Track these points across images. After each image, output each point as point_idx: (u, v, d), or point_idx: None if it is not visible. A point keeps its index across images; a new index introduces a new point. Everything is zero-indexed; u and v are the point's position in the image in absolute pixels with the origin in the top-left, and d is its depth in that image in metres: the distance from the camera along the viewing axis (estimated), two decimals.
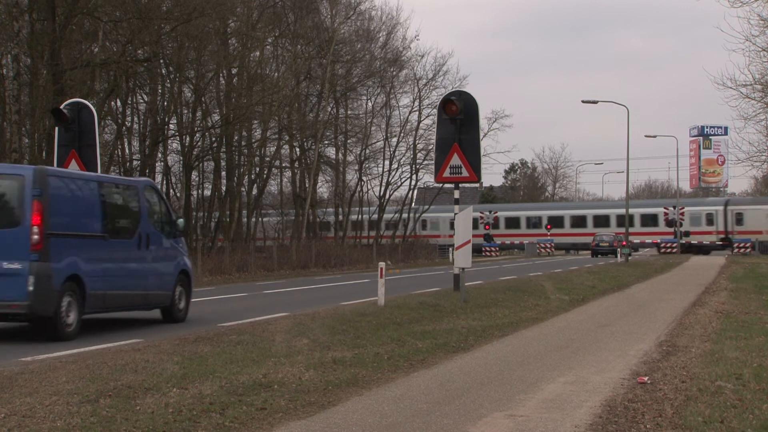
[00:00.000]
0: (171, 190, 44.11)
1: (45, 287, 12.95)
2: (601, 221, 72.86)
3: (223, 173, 44.91)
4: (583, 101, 53.25)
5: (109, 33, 33.78)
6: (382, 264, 18.83)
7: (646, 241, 70.58)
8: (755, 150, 30.22)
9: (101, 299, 14.24)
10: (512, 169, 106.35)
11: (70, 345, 12.54)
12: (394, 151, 61.06)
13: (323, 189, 65.76)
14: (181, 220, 16.79)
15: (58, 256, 13.22)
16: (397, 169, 61.90)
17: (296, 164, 54.55)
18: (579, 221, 74.07)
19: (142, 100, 41.85)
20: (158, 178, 42.61)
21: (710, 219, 69.35)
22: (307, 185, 52.95)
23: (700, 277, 32.39)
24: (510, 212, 76.79)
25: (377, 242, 57.16)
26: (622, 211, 61.46)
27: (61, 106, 23.93)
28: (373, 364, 10.70)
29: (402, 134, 61.20)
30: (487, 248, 71.66)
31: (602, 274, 32.28)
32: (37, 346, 12.48)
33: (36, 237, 12.89)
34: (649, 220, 71.36)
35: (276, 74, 48.24)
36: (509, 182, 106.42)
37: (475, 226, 72.96)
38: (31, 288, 12.81)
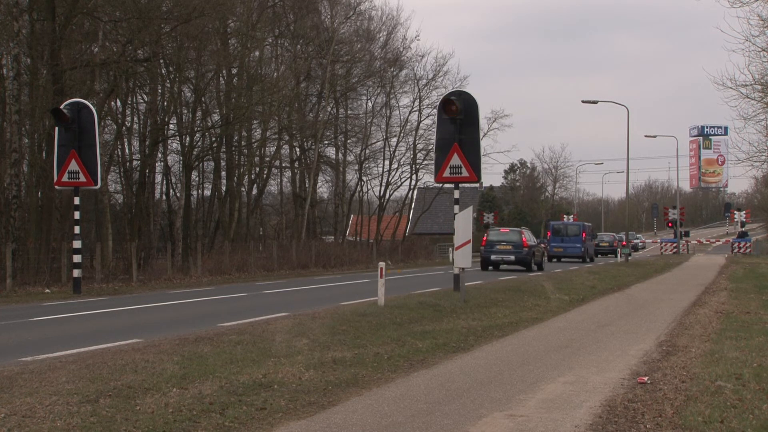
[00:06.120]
0: (171, 190, 44.12)
1: None
2: None
3: (223, 173, 44.91)
4: (583, 101, 53.35)
5: (109, 33, 33.78)
6: (382, 264, 18.80)
7: None
8: (755, 150, 30.22)
9: None
10: (512, 169, 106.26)
11: (69, 345, 12.53)
12: (394, 151, 61.00)
13: (323, 189, 65.78)
14: None
15: None
16: (397, 169, 61.83)
17: (296, 164, 54.53)
18: None
19: (142, 100, 41.86)
20: (158, 178, 42.67)
21: None
22: (307, 185, 52.94)
23: (700, 277, 32.41)
24: None
25: (377, 242, 57.13)
26: None
27: (61, 106, 23.96)
28: (373, 364, 10.70)
29: (402, 134, 61.12)
30: None
31: (602, 274, 32.27)
32: (36, 346, 12.46)
33: None
34: None
35: (276, 74, 48.24)
36: (509, 182, 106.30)
37: None
38: None
